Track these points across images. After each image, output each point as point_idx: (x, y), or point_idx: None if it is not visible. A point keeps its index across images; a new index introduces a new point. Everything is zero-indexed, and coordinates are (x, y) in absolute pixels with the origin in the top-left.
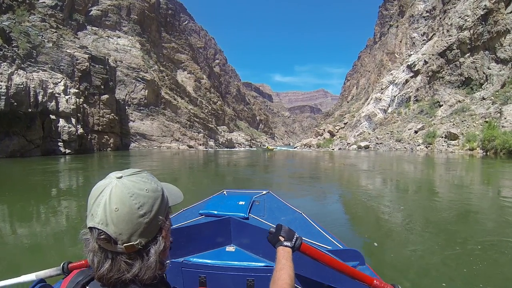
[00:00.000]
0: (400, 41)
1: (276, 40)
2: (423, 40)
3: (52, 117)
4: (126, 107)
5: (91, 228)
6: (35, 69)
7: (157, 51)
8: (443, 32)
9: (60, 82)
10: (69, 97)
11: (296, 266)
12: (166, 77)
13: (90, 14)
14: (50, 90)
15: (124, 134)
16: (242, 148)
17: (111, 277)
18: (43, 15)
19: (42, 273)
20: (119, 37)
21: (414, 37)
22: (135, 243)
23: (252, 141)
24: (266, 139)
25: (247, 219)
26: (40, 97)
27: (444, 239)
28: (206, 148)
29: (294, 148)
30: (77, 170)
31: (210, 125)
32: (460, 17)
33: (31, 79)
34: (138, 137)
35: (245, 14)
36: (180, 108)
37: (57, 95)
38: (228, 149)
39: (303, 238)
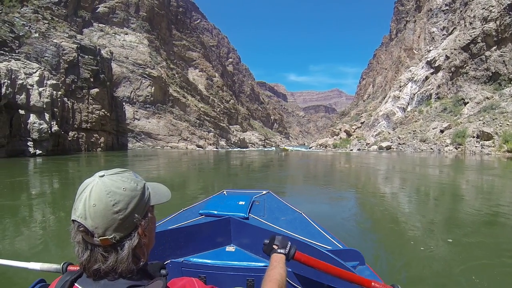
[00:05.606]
0: (418, 37)
1: (291, 40)
2: (443, 35)
3: (21, 112)
4: (130, 104)
5: (73, 221)
6: (7, 58)
7: (168, 48)
8: (465, 25)
9: (35, 72)
10: (43, 90)
11: (296, 266)
12: (176, 75)
13: (97, 11)
14: (20, 81)
15: (120, 133)
16: (255, 148)
17: (90, 267)
18: (37, 7)
19: (45, 266)
20: (126, 34)
21: (433, 32)
22: (110, 237)
23: (266, 140)
24: (281, 139)
25: (247, 219)
26: (4, 89)
27: (461, 248)
28: (216, 148)
29: (309, 148)
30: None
31: (221, 124)
32: (484, 8)
33: None
34: (143, 136)
35: (259, 13)
36: (189, 106)
37: (29, 87)
38: (240, 149)
39: (302, 238)
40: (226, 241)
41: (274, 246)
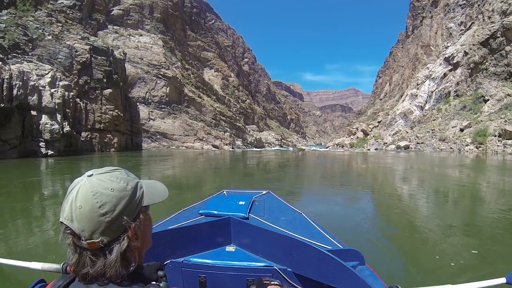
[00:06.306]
0: (436, 33)
1: (307, 39)
2: (460, 30)
3: (33, 113)
4: (145, 105)
5: (61, 223)
6: (19, 60)
7: (182, 49)
8: (483, 20)
9: (47, 74)
10: (55, 91)
11: (296, 266)
12: (191, 75)
13: (111, 13)
14: (32, 83)
15: (134, 133)
16: (272, 148)
17: (79, 270)
18: (51, 10)
19: (46, 266)
20: (141, 35)
21: (451, 28)
22: (97, 240)
23: (282, 140)
24: (297, 139)
25: (247, 219)
26: (15, 90)
27: (476, 253)
28: (233, 148)
29: (326, 148)
30: None
31: (238, 124)
32: (502, 1)
33: (6, 70)
34: (158, 136)
35: (274, 12)
36: (205, 106)
37: (41, 88)
38: (256, 149)
39: (302, 238)
40: (226, 241)
41: (266, 282)
